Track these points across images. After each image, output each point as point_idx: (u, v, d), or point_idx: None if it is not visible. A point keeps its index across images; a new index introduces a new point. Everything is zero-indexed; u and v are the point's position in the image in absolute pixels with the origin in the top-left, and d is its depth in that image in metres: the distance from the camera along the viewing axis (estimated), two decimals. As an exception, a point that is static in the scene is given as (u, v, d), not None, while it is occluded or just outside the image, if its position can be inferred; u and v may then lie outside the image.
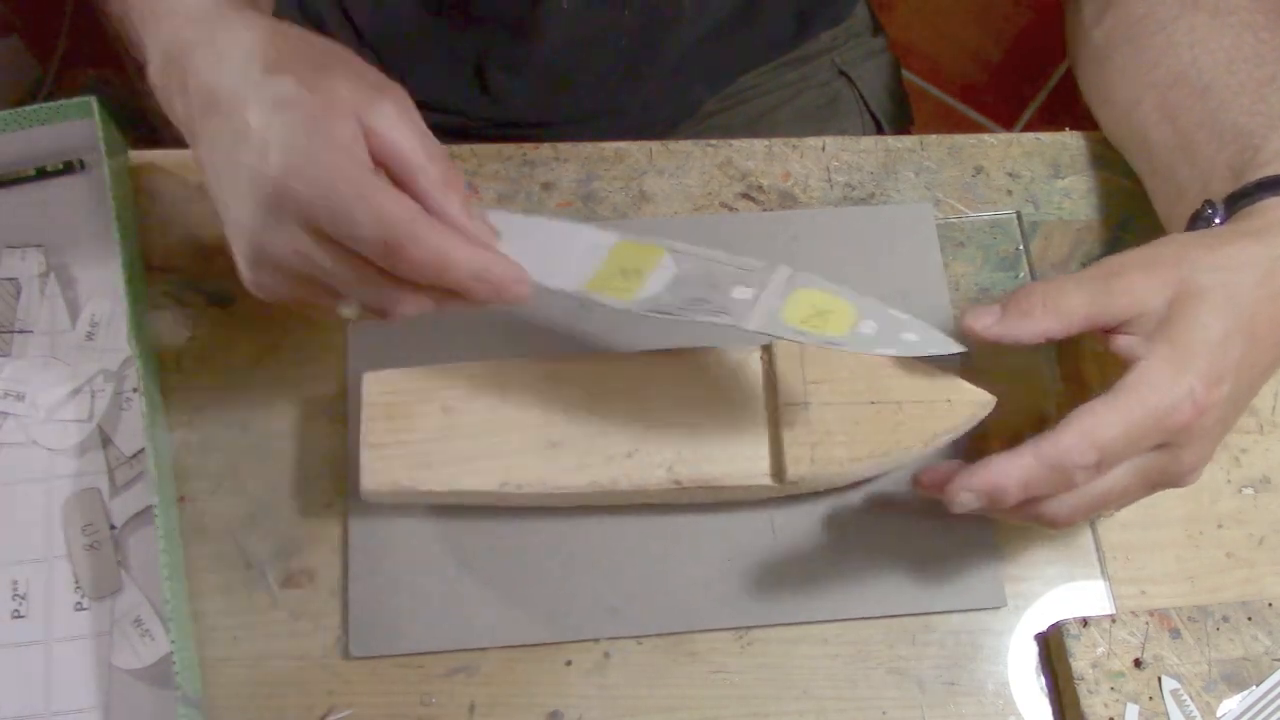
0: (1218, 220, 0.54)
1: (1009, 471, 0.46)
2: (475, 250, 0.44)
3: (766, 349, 0.56)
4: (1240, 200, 0.53)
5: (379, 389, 0.54)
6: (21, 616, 0.54)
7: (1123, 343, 0.49)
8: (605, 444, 0.54)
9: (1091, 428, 0.46)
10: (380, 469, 0.53)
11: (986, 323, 0.50)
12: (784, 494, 0.55)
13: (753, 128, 0.81)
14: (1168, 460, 0.49)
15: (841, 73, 0.84)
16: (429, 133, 0.46)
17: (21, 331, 0.59)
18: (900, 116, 0.87)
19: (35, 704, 0.53)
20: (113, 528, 0.56)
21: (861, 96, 0.84)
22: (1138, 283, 0.49)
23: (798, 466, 0.53)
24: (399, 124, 0.44)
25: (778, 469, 0.54)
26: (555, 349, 0.59)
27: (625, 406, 0.54)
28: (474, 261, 0.44)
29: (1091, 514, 0.51)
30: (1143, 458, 0.48)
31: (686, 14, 0.72)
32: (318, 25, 0.77)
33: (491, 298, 0.45)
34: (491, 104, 0.76)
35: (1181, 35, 0.60)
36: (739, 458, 0.54)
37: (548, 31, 0.71)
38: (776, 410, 0.54)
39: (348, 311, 0.47)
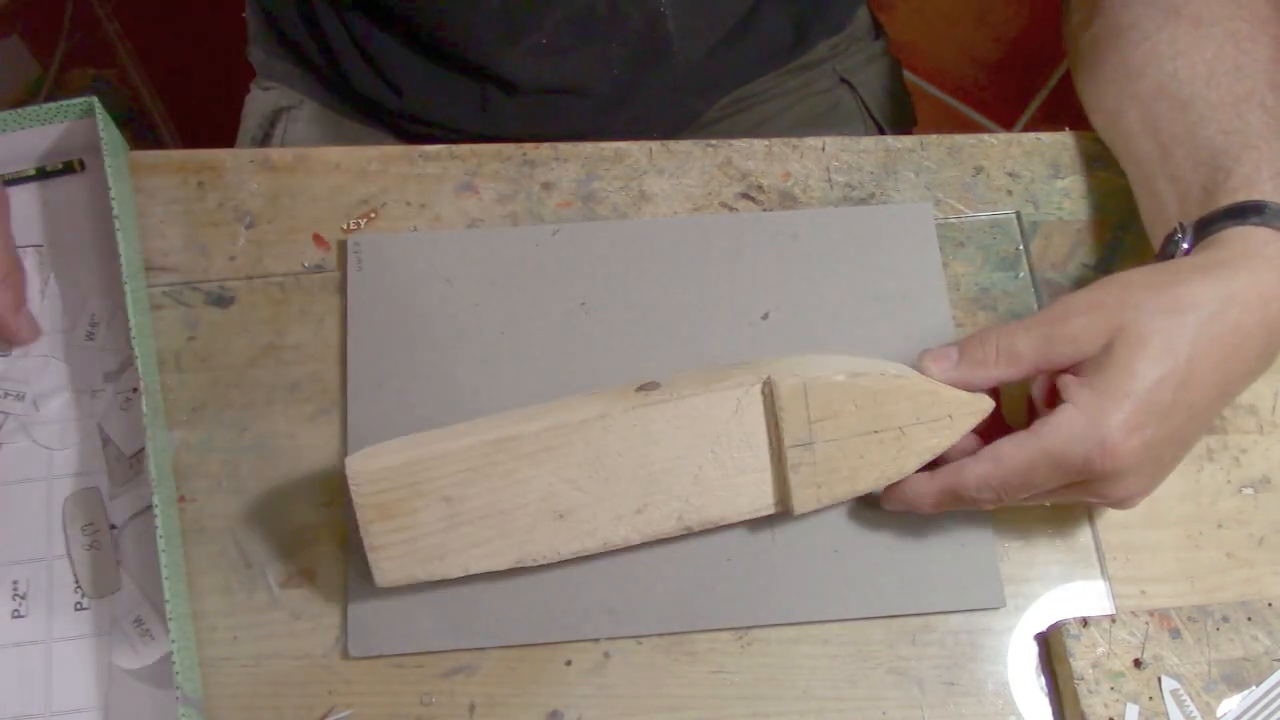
0: (1185, 246, 0.54)
1: (922, 494, 0.54)
2: None
3: (767, 383, 0.53)
4: (1208, 227, 0.53)
5: (368, 489, 0.51)
6: (22, 616, 0.54)
7: (1061, 381, 0.51)
8: (613, 505, 0.53)
9: (992, 470, 0.51)
10: (391, 568, 0.52)
11: (944, 367, 0.54)
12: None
13: (753, 135, 0.81)
14: (1090, 493, 0.51)
15: (843, 79, 0.84)
16: None
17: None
18: (902, 119, 0.87)
19: (35, 704, 0.53)
20: (113, 527, 0.56)
21: (863, 102, 0.84)
22: (1079, 328, 0.51)
23: (805, 505, 0.54)
24: None
25: (784, 504, 0.54)
26: (554, 360, 0.59)
27: (628, 463, 0.53)
28: None
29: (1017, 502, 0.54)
30: (1063, 490, 0.52)
31: (675, 42, 0.72)
32: (322, 41, 0.77)
33: None
34: (491, 123, 0.76)
35: (1164, 46, 0.60)
36: (745, 497, 0.54)
37: (534, 67, 0.71)
38: (781, 447, 0.53)
39: None
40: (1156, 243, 0.58)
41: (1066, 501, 0.54)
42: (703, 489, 0.53)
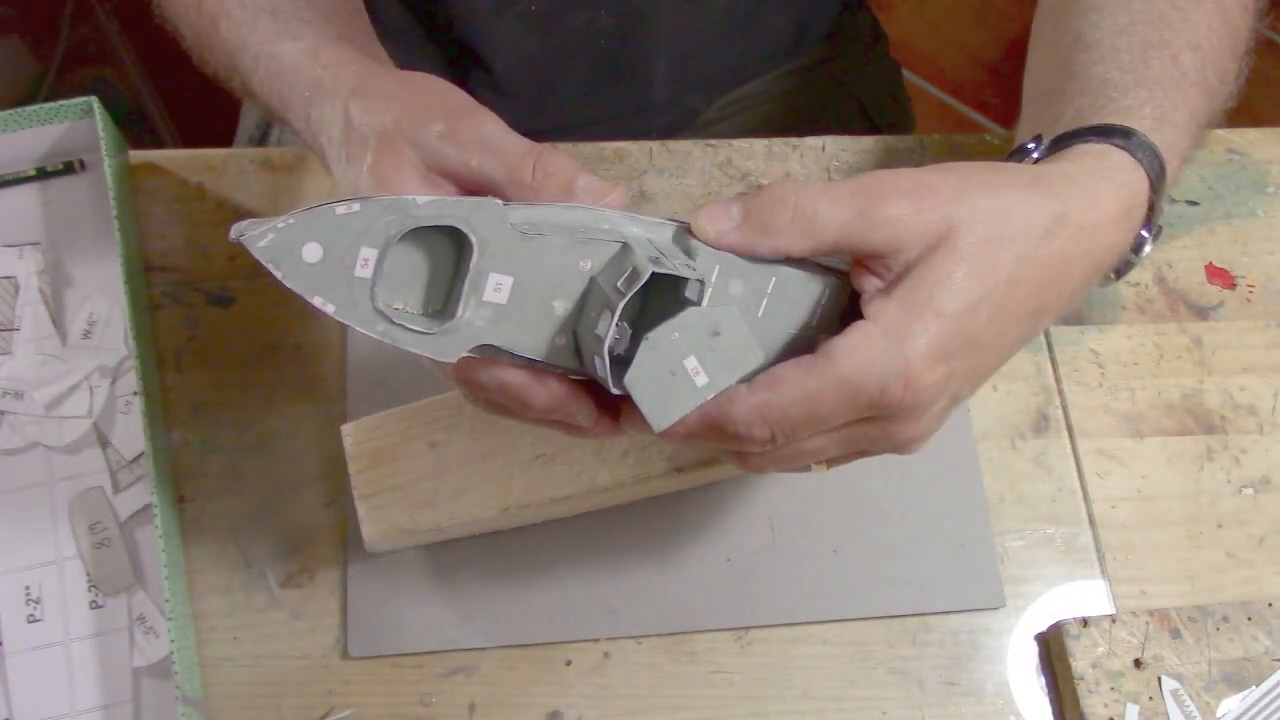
0: (1035, 156, 0.48)
1: (678, 427, 0.41)
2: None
3: None
4: (1067, 139, 0.47)
5: (359, 438, 0.54)
6: (38, 620, 0.54)
7: (864, 288, 0.42)
8: (598, 446, 0.54)
9: (769, 401, 0.40)
10: (379, 517, 0.52)
11: (721, 228, 0.42)
12: None
13: (753, 135, 0.81)
14: (877, 433, 0.43)
15: (841, 82, 0.84)
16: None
17: (20, 330, 0.59)
18: (902, 123, 0.87)
19: (60, 705, 0.53)
20: (120, 525, 0.56)
21: (862, 105, 0.84)
22: (904, 216, 0.41)
23: None
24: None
25: None
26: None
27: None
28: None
29: (790, 468, 0.45)
30: (847, 430, 0.43)
31: (663, 7, 0.71)
32: None
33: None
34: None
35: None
36: None
37: (522, 37, 0.71)
38: None
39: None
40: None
41: (845, 451, 0.44)
42: None
